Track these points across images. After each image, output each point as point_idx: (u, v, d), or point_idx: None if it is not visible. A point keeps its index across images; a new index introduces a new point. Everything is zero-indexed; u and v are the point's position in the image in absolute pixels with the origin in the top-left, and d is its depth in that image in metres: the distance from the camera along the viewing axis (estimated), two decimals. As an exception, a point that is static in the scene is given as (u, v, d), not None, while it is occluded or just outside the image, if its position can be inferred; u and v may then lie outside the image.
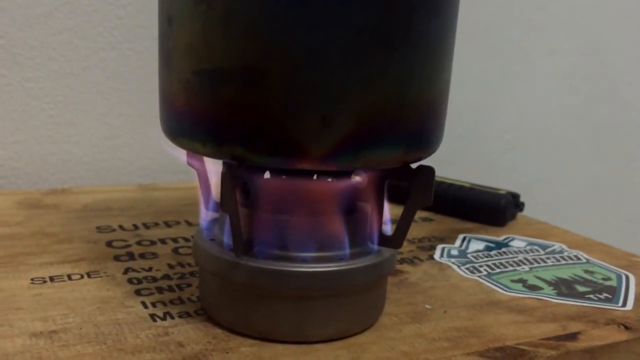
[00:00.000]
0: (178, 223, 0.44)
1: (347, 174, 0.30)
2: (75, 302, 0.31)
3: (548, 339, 0.30)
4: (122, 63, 0.55)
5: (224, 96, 0.26)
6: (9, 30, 0.51)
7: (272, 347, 0.28)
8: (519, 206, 0.50)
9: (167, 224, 0.44)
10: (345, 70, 0.25)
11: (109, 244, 0.39)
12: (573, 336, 0.31)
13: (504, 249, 0.43)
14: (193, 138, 0.27)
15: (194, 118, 0.27)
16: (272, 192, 0.29)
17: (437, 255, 0.41)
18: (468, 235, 0.46)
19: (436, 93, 0.28)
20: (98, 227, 0.42)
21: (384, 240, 0.30)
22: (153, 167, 0.58)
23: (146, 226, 0.43)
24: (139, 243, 0.40)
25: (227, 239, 0.29)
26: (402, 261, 0.39)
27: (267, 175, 0.31)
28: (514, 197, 0.50)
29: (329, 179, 0.30)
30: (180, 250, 0.39)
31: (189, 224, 0.44)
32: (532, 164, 0.78)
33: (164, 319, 0.30)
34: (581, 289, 0.37)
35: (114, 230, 0.42)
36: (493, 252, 0.42)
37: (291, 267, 0.28)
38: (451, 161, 0.59)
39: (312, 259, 0.28)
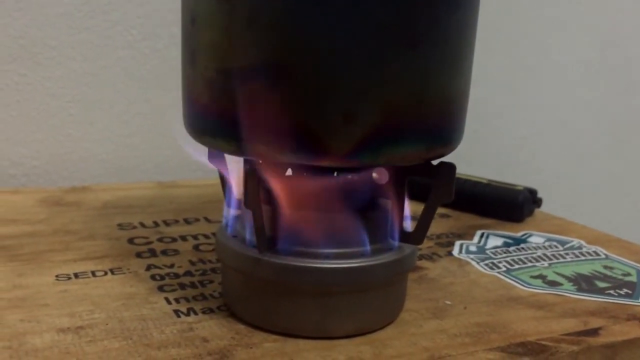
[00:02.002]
0: (197, 220, 0.44)
1: (368, 170, 0.30)
2: (100, 298, 0.31)
3: (569, 334, 0.31)
4: (141, 62, 0.56)
5: (247, 94, 0.26)
6: (28, 30, 0.52)
7: (295, 342, 0.28)
8: (537, 202, 0.50)
9: (187, 221, 0.44)
10: (368, 67, 0.25)
11: (130, 241, 0.40)
12: (594, 332, 0.31)
13: (522, 245, 0.43)
14: (216, 136, 0.28)
15: (217, 116, 0.27)
16: (294, 189, 0.30)
17: (455, 252, 0.41)
18: (486, 231, 0.46)
19: (458, 89, 0.28)
20: (119, 224, 0.43)
21: (405, 236, 0.31)
22: (170, 165, 0.58)
23: (166, 223, 0.43)
24: (160, 240, 0.40)
25: (249, 235, 0.29)
26: (420, 257, 0.40)
27: (289, 172, 0.31)
28: (532, 193, 0.50)
29: (350, 176, 0.30)
30: (201, 247, 0.39)
31: (208, 220, 0.45)
32: (549, 160, 0.77)
33: (187, 314, 0.30)
34: (601, 284, 0.37)
35: (135, 227, 0.42)
36: (512, 248, 0.43)
37: (313, 264, 0.28)
38: (467, 157, 0.59)
39: (333, 256, 0.28)
